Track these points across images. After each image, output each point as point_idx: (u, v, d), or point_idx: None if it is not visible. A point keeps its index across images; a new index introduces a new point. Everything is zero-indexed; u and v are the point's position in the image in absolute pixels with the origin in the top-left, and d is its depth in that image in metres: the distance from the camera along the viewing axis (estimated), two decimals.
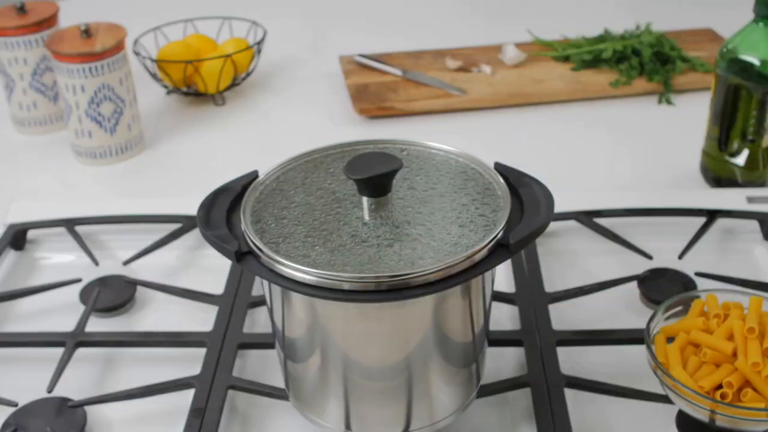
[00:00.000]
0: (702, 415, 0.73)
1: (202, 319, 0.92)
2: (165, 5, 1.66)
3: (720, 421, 0.72)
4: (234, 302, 0.92)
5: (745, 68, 1.04)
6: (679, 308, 0.81)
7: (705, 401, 0.72)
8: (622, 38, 1.43)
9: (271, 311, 0.74)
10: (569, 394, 0.80)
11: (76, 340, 0.88)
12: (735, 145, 1.08)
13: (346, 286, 0.65)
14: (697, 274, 0.95)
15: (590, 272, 0.97)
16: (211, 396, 0.81)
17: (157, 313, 0.96)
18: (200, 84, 1.35)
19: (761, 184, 1.10)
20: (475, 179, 0.75)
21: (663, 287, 0.93)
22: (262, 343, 0.88)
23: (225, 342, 0.87)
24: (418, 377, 0.71)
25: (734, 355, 0.74)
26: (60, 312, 0.95)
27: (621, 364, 0.85)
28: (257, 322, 0.93)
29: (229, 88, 1.39)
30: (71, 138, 1.24)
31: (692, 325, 0.77)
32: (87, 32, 1.19)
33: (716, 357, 0.74)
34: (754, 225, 1.03)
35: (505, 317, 0.91)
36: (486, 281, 0.72)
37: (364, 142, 0.80)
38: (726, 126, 1.08)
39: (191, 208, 0.78)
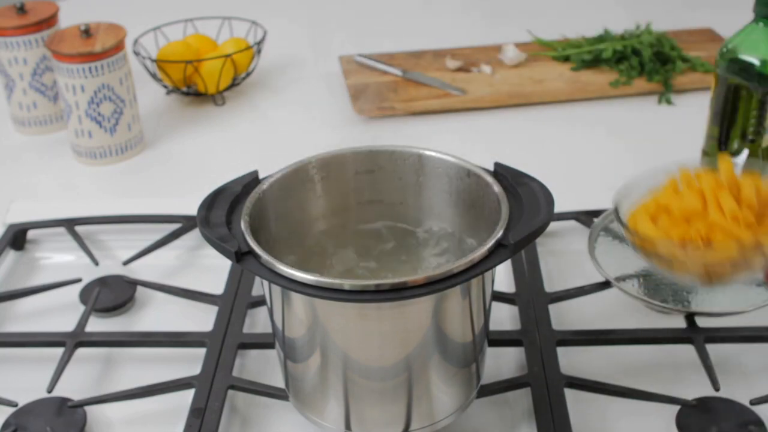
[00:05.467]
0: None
1: (202, 319, 0.92)
2: (165, 5, 1.66)
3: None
4: (234, 302, 0.92)
5: (745, 68, 1.04)
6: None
7: (676, 251, 0.68)
8: (622, 38, 1.43)
9: (271, 311, 0.74)
10: (569, 394, 0.80)
11: (75, 340, 0.88)
12: (735, 145, 1.08)
13: (346, 286, 0.65)
14: None
15: (590, 272, 0.97)
16: (211, 396, 0.81)
17: (157, 313, 0.96)
18: (200, 84, 1.35)
19: None
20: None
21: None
22: (262, 343, 0.88)
23: (225, 342, 0.87)
24: (418, 377, 0.71)
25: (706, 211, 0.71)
26: (60, 312, 0.95)
27: (621, 364, 0.85)
28: (257, 322, 0.93)
29: (229, 88, 1.39)
30: (71, 138, 1.24)
31: (663, 194, 0.75)
32: (87, 32, 1.19)
33: (686, 213, 0.71)
34: None
35: (505, 317, 0.91)
36: (486, 281, 0.72)
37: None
38: (726, 126, 1.08)
39: (191, 208, 0.78)
